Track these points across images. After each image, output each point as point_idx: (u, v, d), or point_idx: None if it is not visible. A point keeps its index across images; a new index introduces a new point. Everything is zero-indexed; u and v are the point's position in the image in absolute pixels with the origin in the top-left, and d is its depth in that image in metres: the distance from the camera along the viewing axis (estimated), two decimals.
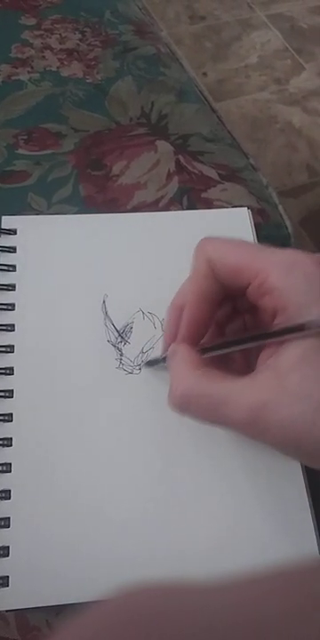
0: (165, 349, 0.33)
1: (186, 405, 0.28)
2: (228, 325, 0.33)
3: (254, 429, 0.27)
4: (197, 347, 0.31)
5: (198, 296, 0.31)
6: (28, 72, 0.53)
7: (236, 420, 0.27)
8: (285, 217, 0.46)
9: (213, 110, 0.56)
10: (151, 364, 0.35)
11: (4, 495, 0.31)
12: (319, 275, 0.27)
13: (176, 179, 0.45)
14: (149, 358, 0.35)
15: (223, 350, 0.30)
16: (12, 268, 0.36)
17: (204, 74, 1.61)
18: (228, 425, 0.28)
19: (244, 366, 0.31)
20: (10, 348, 0.34)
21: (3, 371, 0.34)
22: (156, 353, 0.35)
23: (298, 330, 0.26)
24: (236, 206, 0.43)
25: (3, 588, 0.29)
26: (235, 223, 0.40)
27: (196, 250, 0.31)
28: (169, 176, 0.45)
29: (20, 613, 0.30)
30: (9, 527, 0.30)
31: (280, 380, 0.26)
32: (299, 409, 0.25)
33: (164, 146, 0.47)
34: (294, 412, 0.25)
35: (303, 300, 0.27)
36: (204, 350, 0.30)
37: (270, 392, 0.26)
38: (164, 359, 0.33)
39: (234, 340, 0.31)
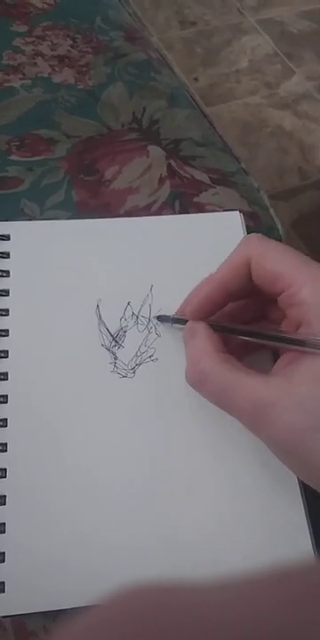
0: (181, 311, 0.34)
1: (202, 383, 0.30)
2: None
3: (253, 424, 0.28)
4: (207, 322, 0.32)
5: (220, 283, 0.32)
6: (20, 79, 0.53)
7: (239, 409, 0.28)
8: (277, 220, 0.47)
9: (205, 115, 0.56)
10: (162, 319, 0.36)
11: None
12: None
13: (168, 183, 0.45)
14: (162, 314, 0.36)
15: (232, 334, 0.32)
16: (6, 273, 0.37)
17: (195, 79, 1.62)
18: (231, 412, 0.29)
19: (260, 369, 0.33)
20: (4, 354, 0.34)
21: None
22: (151, 355, 0.35)
23: (312, 346, 0.27)
24: (227, 210, 0.43)
25: None
26: (227, 227, 0.40)
27: (241, 242, 0.32)
28: (161, 181, 0.45)
29: (17, 619, 0.30)
30: (4, 533, 0.30)
31: (291, 387, 0.27)
32: (300, 419, 0.26)
33: (155, 151, 0.48)
34: (294, 420, 0.26)
35: None
36: (215, 327, 0.32)
37: (278, 395, 0.27)
38: (174, 319, 0.35)
39: (244, 330, 0.32)
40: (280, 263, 0.30)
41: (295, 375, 0.27)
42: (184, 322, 0.33)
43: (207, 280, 0.32)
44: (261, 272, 0.30)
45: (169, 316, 0.35)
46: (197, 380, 0.30)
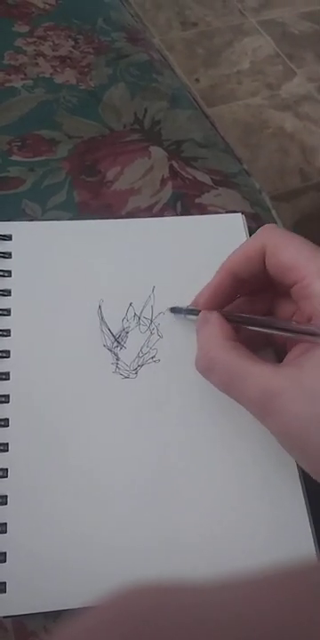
0: (195, 303, 0.34)
1: (211, 368, 0.30)
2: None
3: (261, 412, 0.28)
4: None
5: (231, 272, 0.32)
6: (22, 79, 0.53)
7: (248, 398, 0.28)
8: (279, 221, 0.47)
9: (206, 116, 0.56)
10: (175, 310, 0.36)
11: (0, 501, 0.31)
12: None
13: (170, 184, 0.45)
14: (175, 305, 0.36)
15: (243, 325, 0.32)
16: (8, 273, 0.37)
17: (197, 80, 1.62)
18: (240, 399, 0.29)
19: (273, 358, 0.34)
20: (6, 354, 0.34)
21: None
22: (153, 356, 0.35)
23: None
24: (229, 211, 0.43)
25: (0, 595, 0.29)
26: (229, 229, 0.40)
27: (256, 233, 0.32)
28: (163, 182, 0.45)
29: (18, 619, 0.30)
30: (6, 533, 0.30)
31: (301, 377, 0.27)
32: (309, 408, 0.26)
33: (157, 152, 0.48)
34: (304, 410, 0.26)
35: None
36: (228, 318, 0.32)
37: (287, 384, 0.27)
38: (187, 310, 0.35)
39: (257, 320, 0.32)
40: (295, 254, 0.30)
41: (305, 365, 0.27)
42: (197, 313, 0.33)
43: (218, 269, 0.33)
44: (275, 262, 0.30)
45: (182, 308, 0.35)
46: (206, 368, 0.30)
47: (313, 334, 0.28)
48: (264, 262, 0.31)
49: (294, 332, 0.30)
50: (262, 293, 0.34)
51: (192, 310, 0.34)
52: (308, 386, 0.26)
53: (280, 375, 0.27)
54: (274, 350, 0.34)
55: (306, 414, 0.26)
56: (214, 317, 0.31)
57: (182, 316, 0.35)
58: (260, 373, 0.28)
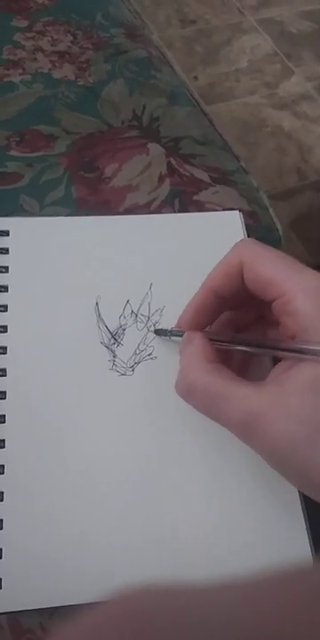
0: (179, 324, 0.34)
1: (191, 394, 0.29)
2: (247, 331, 0.34)
3: (245, 434, 0.28)
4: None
5: (212, 290, 0.32)
6: (20, 74, 0.53)
7: (230, 420, 0.28)
8: (276, 220, 0.47)
9: (204, 113, 0.56)
10: (160, 332, 0.35)
11: None
12: None
13: (168, 181, 0.45)
14: (159, 327, 0.36)
15: (227, 345, 0.32)
16: (5, 269, 0.36)
17: (195, 77, 1.62)
18: (222, 422, 0.28)
19: (256, 376, 0.32)
20: (2, 350, 0.34)
21: None
22: (150, 353, 0.35)
23: (309, 353, 0.27)
24: (227, 209, 0.43)
25: None
26: (226, 226, 0.40)
27: (233, 247, 0.32)
28: (161, 178, 0.45)
29: (13, 616, 0.30)
30: (1, 529, 0.30)
31: (283, 396, 0.26)
32: (293, 428, 0.26)
33: (155, 148, 0.48)
34: (287, 430, 0.26)
35: None
36: (212, 338, 0.31)
37: (270, 404, 0.26)
38: (171, 332, 0.34)
39: (241, 339, 0.32)
40: (273, 269, 0.29)
41: (288, 385, 0.27)
42: (182, 334, 0.33)
43: (199, 288, 0.32)
44: (253, 277, 0.30)
45: (167, 330, 0.35)
46: (186, 391, 0.30)
47: (299, 352, 0.27)
48: (243, 277, 0.30)
49: (281, 350, 0.29)
50: (246, 305, 0.33)
51: (177, 332, 0.34)
52: (291, 406, 0.26)
53: (263, 395, 0.27)
54: (268, 360, 0.34)
55: (291, 433, 0.25)
56: (197, 339, 0.31)
57: (167, 338, 0.35)
58: (242, 394, 0.27)
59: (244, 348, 0.31)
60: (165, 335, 0.35)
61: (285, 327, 0.29)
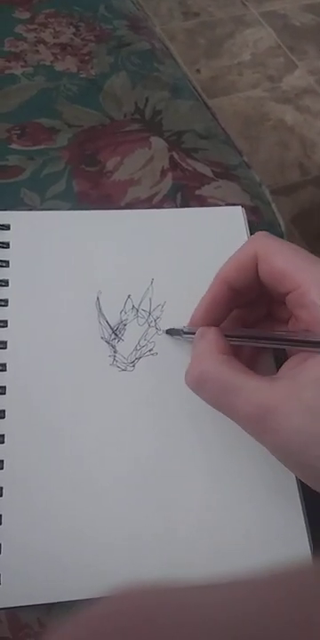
0: (192, 321, 0.33)
1: (202, 384, 0.29)
2: (256, 329, 0.34)
3: (256, 428, 0.27)
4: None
5: (226, 283, 0.31)
6: (22, 66, 0.53)
7: (242, 414, 0.27)
8: (278, 215, 0.46)
9: (207, 107, 0.56)
10: (172, 332, 0.35)
11: None
12: None
13: (170, 175, 0.45)
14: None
15: (240, 340, 0.31)
16: (6, 263, 0.36)
17: (198, 70, 1.61)
18: (233, 416, 0.28)
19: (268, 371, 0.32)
20: (2, 345, 0.34)
21: None
22: (151, 349, 0.35)
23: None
24: (229, 204, 0.43)
25: None
26: (229, 222, 0.40)
27: (248, 240, 0.32)
28: (163, 173, 0.45)
29: (12, 611, 0.30)
30: (0, 524, 0.30)
31: (297, 389, 0.26)
32: (308, 422, 0.25)
33: (158, 142, 0.47)
34: (300, 425, 0.25)
35: None
36: (226, 334, 0.31)
37: (283, 398, 0.26)
38: (184, 331, 0.34)
39: (255, 335, 0.32)
40: (288, 261, 0.29)
41: (301, 378, 0.26)
42: (195, 332, 0.32)
43: (213, 280, 0.32)
44: (268, 269, 0.30)
45: (179, 329, 0.34)
46: (197, 381, 0.29)
47: (314, 345, 0.27)
48: (257, 270, 0.30)
49: (295, 342, 0.29)
50: (256, 303, 0.33)
51: (189, 332, 0.33)
52: (305, 399, 0.25)
53: (276, 389, 0.26)
54: (274, 358, 0.34)
55: (304, 429, 0.25)
56: (211, 333, 0.31)
57: (180, 337, 0.34)
58: (254, 387, 0.27)
59: (256, 344, 0.31)
60: (178, 335, 0.34)
61: (299, 320, 0.29)
